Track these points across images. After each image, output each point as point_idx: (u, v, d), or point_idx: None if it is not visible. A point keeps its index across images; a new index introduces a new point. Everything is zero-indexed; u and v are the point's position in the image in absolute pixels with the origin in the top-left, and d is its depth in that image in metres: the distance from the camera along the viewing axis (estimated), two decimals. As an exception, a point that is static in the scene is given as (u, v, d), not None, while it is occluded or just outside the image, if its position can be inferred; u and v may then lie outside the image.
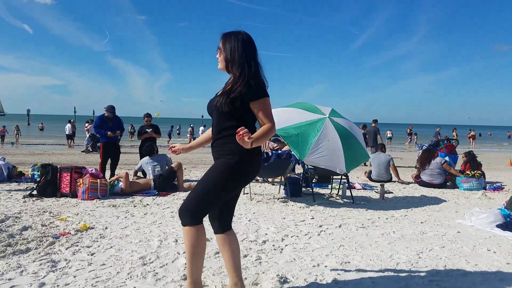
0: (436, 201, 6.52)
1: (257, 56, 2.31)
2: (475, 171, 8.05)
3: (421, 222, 4.83)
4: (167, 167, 6.96)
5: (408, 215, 5.30)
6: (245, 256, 3.32)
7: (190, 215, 2.23)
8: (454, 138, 15.44)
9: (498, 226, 4.47)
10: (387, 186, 7.79)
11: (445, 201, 6.53)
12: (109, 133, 7.50)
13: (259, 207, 5.53)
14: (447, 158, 8.92)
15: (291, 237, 3.99)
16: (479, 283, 2.88)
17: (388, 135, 29.80)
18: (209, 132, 2.55)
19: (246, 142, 2.01)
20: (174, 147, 2.67)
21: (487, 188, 7.91)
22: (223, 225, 2.41)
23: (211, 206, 2.29)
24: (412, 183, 8.67)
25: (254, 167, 2.33)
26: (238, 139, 2.02)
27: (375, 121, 14.21)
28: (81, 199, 5.69)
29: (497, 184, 8.49)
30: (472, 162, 8.62)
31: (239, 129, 2.01)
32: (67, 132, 21.76)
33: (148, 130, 8.16)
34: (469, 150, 12.62)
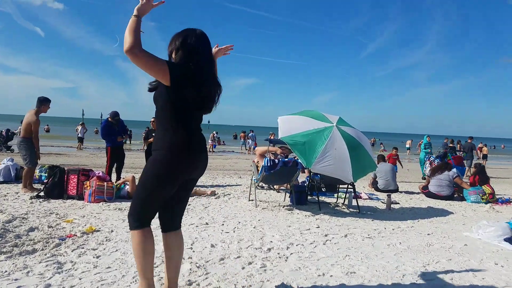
0: (443, 213, 6.46)
1: (199, 53, 2.24)
2: (487, 194, 7.88)
3: (428, 234, 4.78)
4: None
5: (415, 226, 5.26)
6: (250, 263, 3.31)
7: (133, 219, 2.24)
8: (459, 149, 15.34)
9: (506, 239, 4.42)
10: (394, 196, 7.74)
11: (452, 213, 6.47)
12: (118, 138, 7.62)
13: (264, 214, 5.52)
14: (455, 170, 8.85)
15: (296, 245, 3.97)
16: (487, 297, 2.85)
17: (407, 146, 30.03)
18: None
19: None
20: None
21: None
22: (165, 226, 2.40)
23: (151, 206, 2.25)
24: (418, 193, 8.61)
25: (184, 164, 2.22)
26: None
27: (471, 137, 15.69)
28: (88, 202, 5.72)
29: (505, 197, 8.39)
30: (481, 174, 8.54)
31: None
32: (79, 135, 21.81)
33: (154, 135, 8.16)
34: (479, 162, 12.53)
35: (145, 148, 8.48)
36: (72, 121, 47.19)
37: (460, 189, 8.17)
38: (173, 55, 2.25)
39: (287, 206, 6.23)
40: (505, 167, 21.09)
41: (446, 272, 3.35)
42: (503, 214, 6.44)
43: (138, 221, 2.24)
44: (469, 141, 15.36)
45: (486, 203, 7.57)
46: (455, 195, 8.13)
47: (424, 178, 11.50)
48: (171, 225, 2.41)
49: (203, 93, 2.22)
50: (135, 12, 2.13)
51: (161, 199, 2.26)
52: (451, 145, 14.93)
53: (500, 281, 3.18)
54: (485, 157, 20.80)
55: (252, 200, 6.37)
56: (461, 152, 15.76)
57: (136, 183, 6.45)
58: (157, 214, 2.36)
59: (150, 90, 2.29)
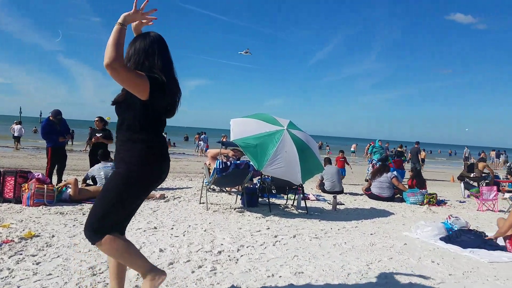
0: (385, 213, 6.81)
1: (164, 56, 2.17)
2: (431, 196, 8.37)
3: (371, 234, 5.02)
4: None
5: (359, 226, 5.49)
6: (200, 267, 3.28)
7: (94, 232, 2.07)
8: (402, 153, 16.20)
9: (441, 238, 4.75)
10: (339, 197, 8.03)
11: (393, 213, 6.83)
12: (60, 138, 7.21)
13: (215, 217, 5.50)
14: (395, 173, 9.37)
15: (247, 247, 4.00)
16: (424, 292, 3.05)
17: (352, 149, 31.52)
18: None
19: None
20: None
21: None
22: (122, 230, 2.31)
23: (115, 219, 2.14)
24: (361, 194, 9.02)
25: (159, 174, 2.20)
26: None
27: (417, 142, 16.57)
28: (26, 205, 5.37)
29: (441, 198, 9.01)
30: (418, 178, 9.10)
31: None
32: (15, 134, 20.33)
33: (98, 135, 7.77)
34: (415, 166, 13.34)
35: (89, 149, 8.06)
36: (8, 119, 43.95)
37: (401, 191, 8.65)
38: (129, 63, 2.11)
39: (238, 208, 6.25)
40: (440, 171, 22.63)
41: (388, 270, 3.54)
42: (439, 215, 6.91)
43: (104, 231, 2.08)
44: (415, 146, 16.29)
45: (430, 202, 8.05)
46: (396, 196, 8.61)
47: (367, 180, 12.04)
48: (123, 231, 2.32)
49: (170, 99, 2.18)
50: (120, 20, 1.97)
51: (132, 211, 2.23)
52: (399, 149, 15.74)
53: (436, 277, 3.41)
54: (423, 161, 22.15)
55: (203, 202, 6.32)
56: (409, 156, 16.77)
57: (80, 186, 6.17)
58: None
59: (115, 103, 2.14)
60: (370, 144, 29.42)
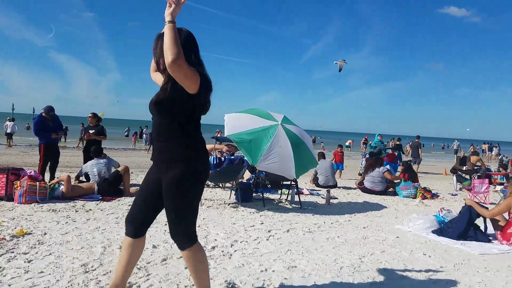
0: (378, 207, 6.85)
1: (197, 52, 2.19)
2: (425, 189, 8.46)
3: (364, 227, 5.05)
4: (113, 171, 6.71)
5: (352, 220, 5.52)
6: (193, 262, 3.28)
7: (185, 239, 2.19)
8: (401, 147, 16.26)
9: (433, 231, 4.79)
10: (333, 192, 8.07)
11: (385, 207, 6.88)
12: (53, 134, 7.16)
13: (209, 212, 5.50)
14: (388, 167, 9.43)
15: (241, 242, 4.01)
16: (416, 285, 3.08)
17: (347, 144, 31.71)
18: None
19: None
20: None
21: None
22: (143, 231, 2.34)
23: (195, 219, 2.24)
24: (354, 188, 9.06)
25: (207, 169, 2.29)
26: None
27: (418, 137, 16.34)
28: (18, 203, 5.33)
29: (433, 191, 9.09)
30: (409, 171, 9.17)
31: None
32: (8, 131, 20.17)
33: (91, 131, 7.75)
34: (406, 160, 13.44)
35: (82, 145, 8.04)
36: (0, 117, 43.54)
37: (394, 184, 8.71)
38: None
39: (233, 203, 6.26)
40: (433, 164, 22.78)
41: (380, 263, 3.56)
42: (431, 208, 6.97)
43: (194, 235, 2.22)
44: (416, 140, 16.37)
45: (425, 196, 8.11)
46: (389, 190, 8.66)
47: (360, 174, 12.10)
48: (145, 230, 2.36)
49: (208, 96, 2.22)
50: (169, 18, 1.95)
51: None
52: (397, 143, 15.85)
53: (428, 270, 3.45)
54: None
55: (196, 198, 6.31)
56: (408, 150, 16.89)
57: (72, 183, 6.13)
58: (144, 219, 2.30)
59: (159, 102, 2.11)
60: (365, 138, 29.59)
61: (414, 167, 16.12)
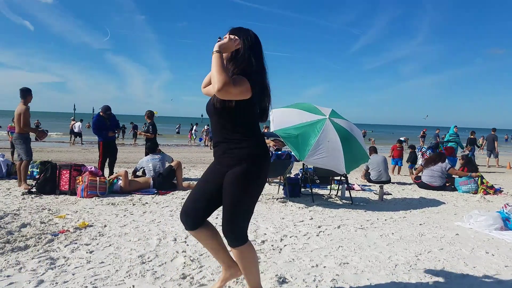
0: (435, 203, 6.53)
1: (263, 58, 2.23)
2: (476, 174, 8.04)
3: (420, 224, 4.83)
4: (166, 166, 6.97)
5: (407, 216, 5.31)
6: (244, 255, 3.32)
7: (237, 237, 2.21)
8: (475, 141, 15.40)
9: (496, 229, 4.48)
10: (386, 187, 7.80)
11: (444, 203, 6.53)
12: (110, 133, 7.59)
13: (258, 207, 5.53)
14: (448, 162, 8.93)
15: (290, 237, 3.99)
16: (477, 285, 2.89)
17: (402, 139, 30.38)
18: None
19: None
20: None
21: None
22: (203, 220, 2.36)
23: (249, 219, 2.28)
24: (411, 184, 8.69)
25: (267, 167, 2.27)
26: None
27: (494, 129, 15.84)
28: (80, 197, 5.69)
29: (497, 187, 8.50)
30: (469, 165, 8.64)
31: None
32: (76, 130, 21.48)
33: (137, 131, 8.38)
34: (466, 153, 12.65)
35: (138, 142, 8.52)
36: (62, 116, 46.66)
37: (452, 180, 8.25)
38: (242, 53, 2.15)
39: (281, 198, 6.25)
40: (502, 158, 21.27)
41: (438, 261, 3.39)
42: (494, 204, 6.52)
43: (246, 235, 2.26)
44: (492, 132, 15.56)
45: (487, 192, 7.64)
46: (447, 185, 8.22)
47: (415, 169, 11.56)
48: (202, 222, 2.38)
49: (265, 94, 2.25)
50: (216, 48, 2.05)
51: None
52: (471, 136, 15.10)
53: (491, 269, 3.23)
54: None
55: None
56: (483, 144, 16.07)
57: (130, 178, 6.43)
58: (202, 211, 2.33)
59: (224, 107, 2.13)
60: (423, 131, 28.20)
61: (492, 160, 15.29)
